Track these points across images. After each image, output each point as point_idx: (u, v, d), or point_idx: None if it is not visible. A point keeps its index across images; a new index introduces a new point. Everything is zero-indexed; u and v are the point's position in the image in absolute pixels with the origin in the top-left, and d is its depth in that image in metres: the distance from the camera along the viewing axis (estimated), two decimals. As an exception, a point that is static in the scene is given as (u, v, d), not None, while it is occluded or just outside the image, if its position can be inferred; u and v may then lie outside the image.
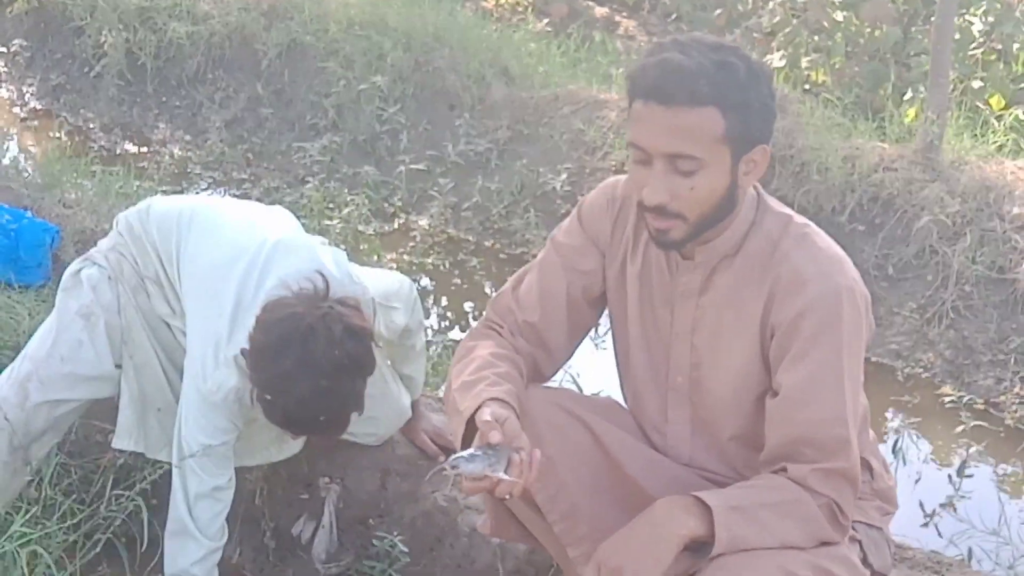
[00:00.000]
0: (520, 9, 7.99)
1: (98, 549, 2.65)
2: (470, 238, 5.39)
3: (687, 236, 1.97)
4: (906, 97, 5.95)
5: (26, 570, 2.34)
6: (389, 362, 2.86)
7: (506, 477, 1.82)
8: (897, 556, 2.68)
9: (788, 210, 2.08)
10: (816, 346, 1.94)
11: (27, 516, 2.42)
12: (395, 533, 2.76)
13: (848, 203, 4.94)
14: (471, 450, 1.85)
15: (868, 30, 6.67)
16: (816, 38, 6.69)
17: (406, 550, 2.73)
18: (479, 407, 1.95)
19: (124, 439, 2.73)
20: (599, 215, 2.20)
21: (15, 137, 6.23)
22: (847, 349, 1.95)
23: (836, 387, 1.95)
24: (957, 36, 5.84)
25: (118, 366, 2.71)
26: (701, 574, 1.86)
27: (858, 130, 5.45)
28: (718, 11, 7.79)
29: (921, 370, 4.41)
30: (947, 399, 4.23)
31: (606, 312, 2.28)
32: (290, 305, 2.32)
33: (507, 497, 1.88)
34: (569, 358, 2.31)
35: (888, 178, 4.94)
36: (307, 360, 2.26)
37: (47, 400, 2.64)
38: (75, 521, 2.61)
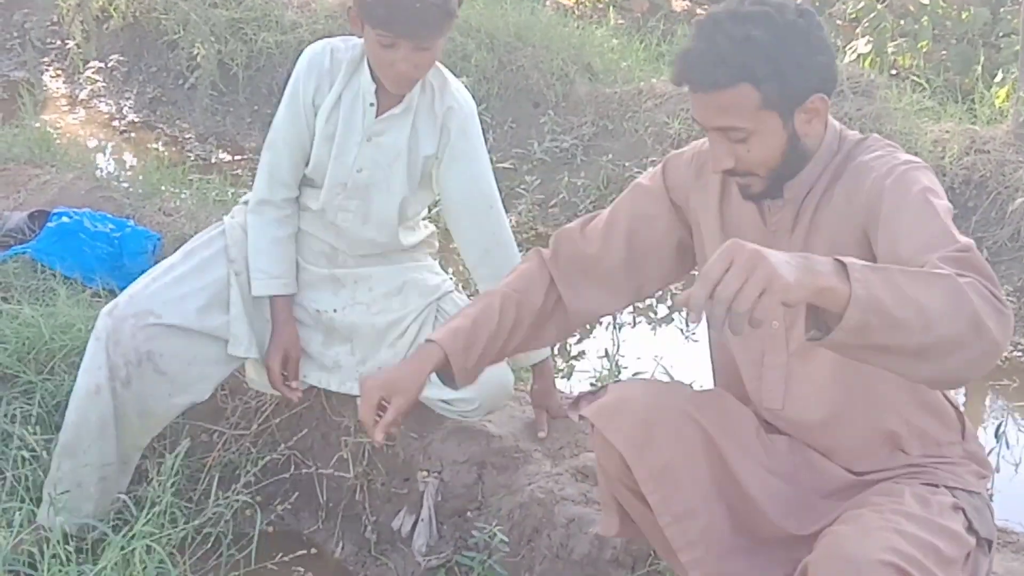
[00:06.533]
0: (601, 6, 8.00)
1: (209, 545, 2.75)
2: (558, 234, 5.41)
3: (767, 187, 2.06)
4: (996, 79, 5.85)
5: (142, 566, 2.43)
6: None
7: None
8: (1001, 540, 2.64)
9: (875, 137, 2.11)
10: (900, 195, 1.89)
11: (147, 517, 2.51)
12: (493, 524, 2.80)
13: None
14: None
15: (955, 12, 6.56)
16: (902, 22, 6.60)
17: (506, 540, 2.76)
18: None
19: (238, 347, 2.88)
20: (681, 165, 2.29)
21: (115, 149, 6.40)
22: (931, 192, 1.89)
23: (933, 217, 1.84)
24: (1048, 14, 5.71)
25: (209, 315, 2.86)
26: (813, 553, 1.83)
27: (947, 113, 5.37)
28: (801, -1, 7.70)
29: (1020, 353, 4.33)
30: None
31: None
32: None
33: None
34: (623, 302, 2.40)
35: (980, 160, 4.87)
36: None
37: (133, 311, 2.77)
38: (186, 521, 2.70)
